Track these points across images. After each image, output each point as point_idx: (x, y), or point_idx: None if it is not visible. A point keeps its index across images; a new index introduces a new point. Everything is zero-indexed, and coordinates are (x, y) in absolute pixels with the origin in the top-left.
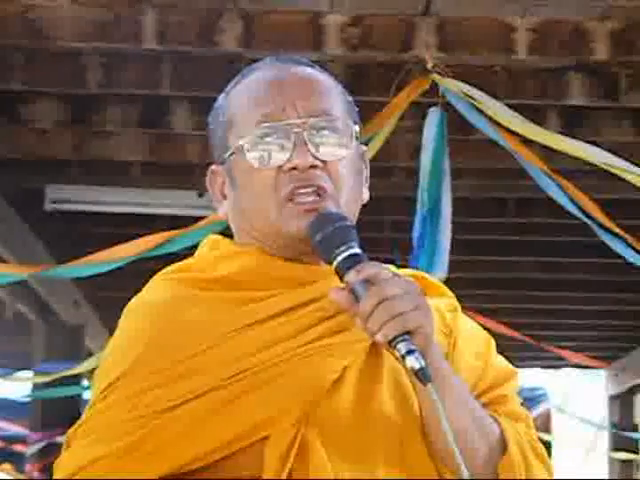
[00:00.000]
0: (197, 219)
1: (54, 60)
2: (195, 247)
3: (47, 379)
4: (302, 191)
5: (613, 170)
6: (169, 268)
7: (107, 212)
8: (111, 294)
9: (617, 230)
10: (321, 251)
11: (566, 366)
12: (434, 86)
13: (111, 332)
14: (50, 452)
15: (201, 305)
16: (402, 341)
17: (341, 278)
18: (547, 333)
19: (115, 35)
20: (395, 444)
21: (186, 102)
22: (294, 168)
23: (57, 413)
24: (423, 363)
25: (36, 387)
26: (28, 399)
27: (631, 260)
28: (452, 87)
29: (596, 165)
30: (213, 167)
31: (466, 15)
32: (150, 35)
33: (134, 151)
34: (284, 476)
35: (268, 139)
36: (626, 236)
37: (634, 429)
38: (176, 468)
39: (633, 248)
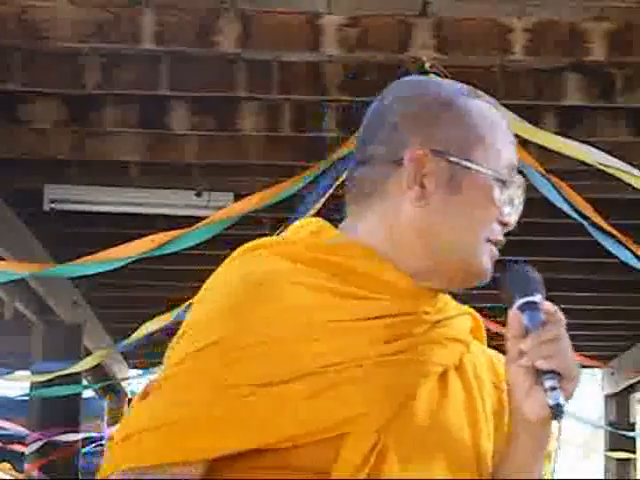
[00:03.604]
0: (195, 219)
1: (53, 60)
2: (195, 247)
3: (45, 378)
4: (497, 244)
5: (609, 170)
6: (266, 241)
7: (106, 212)
8: (110, 294)
9: (611, 230)
10: (506, 292)
11: None
12: None
13: (110, 332)
14: (49, 451)
15: (306, 287)
16: (551, 378)
17: (510, 305)
18: None
19: (113, 35)
20: (456, 465)
21: (184, 102)
22: (505, 224)
23: (56, 412)
24: (562, 401)
25: (34, 386)
26: (26, 398)
27: (625, 260)
28: None
29: (592, 165)
30: (426, 152)
31: (463, 16)
32: (148, 35)
33: (132, 151)
34: (363, 476)
35: (510, 190)
36: (619, 236)
37: (630, 428)
38: (248, 447)
39: (627, 248)
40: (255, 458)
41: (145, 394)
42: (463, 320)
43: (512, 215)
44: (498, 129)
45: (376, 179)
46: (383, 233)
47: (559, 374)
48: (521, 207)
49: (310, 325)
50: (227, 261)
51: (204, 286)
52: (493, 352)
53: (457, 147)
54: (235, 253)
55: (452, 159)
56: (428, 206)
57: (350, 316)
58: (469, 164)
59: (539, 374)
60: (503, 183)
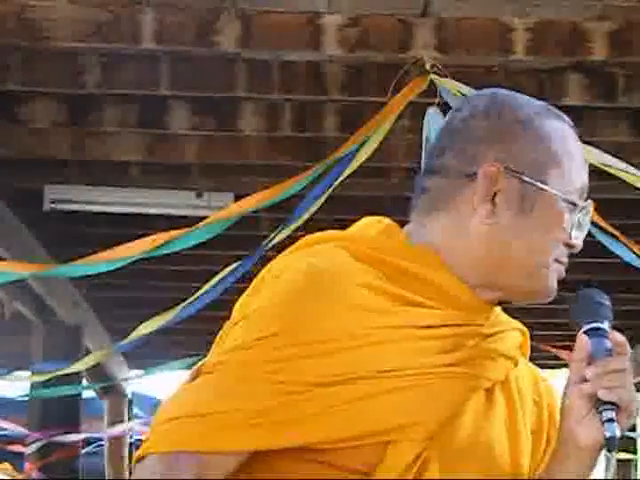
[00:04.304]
0: (195, 219)
1: (52, 60)
2: (195, 247)
3: (45, 378)
4: (563, 264)
5: (610, 170)
6: (334, 235)
7: (106, 212)
8: (110, 294)
9: (612, 230)
10: (575, 316)
11: (564, 366)
12: (432, 86)
13: (110, 332)
14: (49, 452)
15: (368, 288)
16: (611, 409)
17: (579, 329)
18: (545, 333)
19: (113, 35)
20: None
21: (184, 102)
22: (571, 246)
23: (56, 412)
24: (618, 434)
25: (34, 386)
26: (26, 398)
27: (627, 260)
28: (450, 87)
29: (593, 165)
30: (500, 169)
31: (464, 15)
32: (148, 35)
33: (132, 151)
34: None
35: (580, 214)
36: (621, 237)
37: (630, 428)
38: (291, 445)
39: (627, 248)
40: (294, 451)
41: (195, 376)
42: (513, 335)
43: (579, 238)
44: (573, 152)
45: (447, 190)
46: (449, 244)
47: (618, 406)
48: (587, 230)
49: (368, 328)
50: (292, 249)
51: (267, 271)
52: (536, 368)
53: (532, 167)
54: (301, 242)
55: (526, 178)
56: (497, 224)
57: (408, 323)
58: (542, 185)
59: (598, 403)
60: (574, 207)
